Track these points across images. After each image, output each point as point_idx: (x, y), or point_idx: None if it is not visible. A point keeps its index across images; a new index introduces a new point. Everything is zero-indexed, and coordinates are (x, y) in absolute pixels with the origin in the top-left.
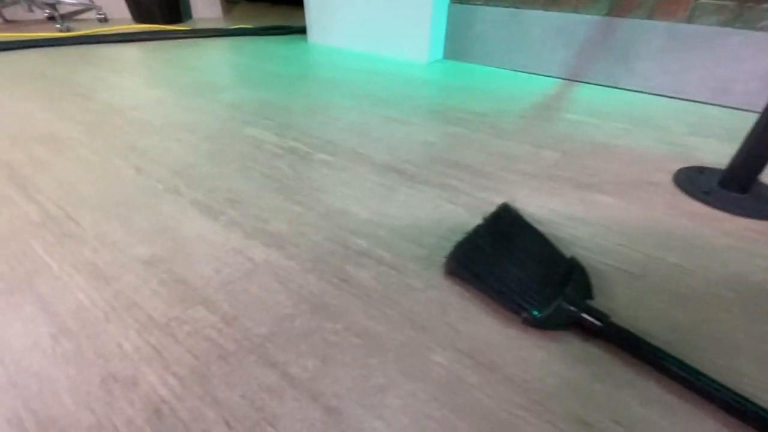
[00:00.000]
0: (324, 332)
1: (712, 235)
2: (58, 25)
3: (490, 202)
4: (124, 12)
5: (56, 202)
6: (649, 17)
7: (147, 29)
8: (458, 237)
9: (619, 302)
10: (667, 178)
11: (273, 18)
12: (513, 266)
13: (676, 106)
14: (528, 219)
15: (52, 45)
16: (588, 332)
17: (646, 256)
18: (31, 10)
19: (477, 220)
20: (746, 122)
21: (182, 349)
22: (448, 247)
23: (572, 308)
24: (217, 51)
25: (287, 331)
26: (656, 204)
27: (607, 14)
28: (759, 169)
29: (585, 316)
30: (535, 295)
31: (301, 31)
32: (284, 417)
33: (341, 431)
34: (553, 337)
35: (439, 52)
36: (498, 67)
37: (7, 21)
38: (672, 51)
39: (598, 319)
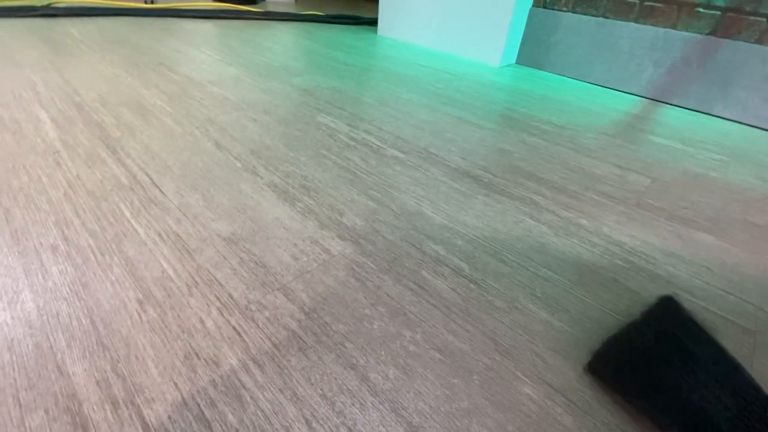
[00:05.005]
0: (403, 340)
1: None
2: None
3: (576, 224)
4: None
5: (143, 167)
6: (758, 41)
7: (224, 7)
8: (543, 257)
9: None
10: None
11: (340, 7)
12: (691, 388)
13: None
14: (699, 321)
15: (138, 15)
16: None
17: (757, 309)
18: None
19: (562, 242)
20: None
21: (262, 335)
22: (531, 266)
23: None
24: (288, 35)
25: (366, 332)
26: (764, 250)
27: (710, 34)
28: None
29: None
30: None
31: (371, 22)
32: (365, 426)
33: None
34: None
35: (513, 57)
36: (575, 78)
37: None
38: None
39: None
